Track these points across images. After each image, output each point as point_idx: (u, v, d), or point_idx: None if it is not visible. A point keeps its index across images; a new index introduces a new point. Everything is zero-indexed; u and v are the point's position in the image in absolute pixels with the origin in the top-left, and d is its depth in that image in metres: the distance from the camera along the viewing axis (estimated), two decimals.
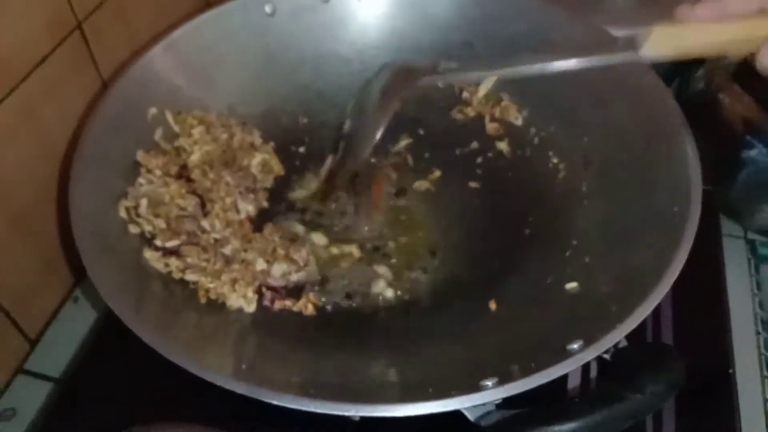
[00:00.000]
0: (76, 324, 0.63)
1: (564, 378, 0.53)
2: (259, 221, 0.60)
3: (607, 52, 0.45)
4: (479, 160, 0.66)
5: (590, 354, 0.41)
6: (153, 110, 0.60)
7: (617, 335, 0.41)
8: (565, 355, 0.41)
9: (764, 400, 0.57)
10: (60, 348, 0.62)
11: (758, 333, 0.61)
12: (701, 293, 0.62)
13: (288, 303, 0.54)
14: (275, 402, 0.40)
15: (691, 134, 0.53)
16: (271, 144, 0.65)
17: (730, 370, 0.57)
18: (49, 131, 0.59)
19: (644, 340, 0.56)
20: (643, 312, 0.42)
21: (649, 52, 0.43)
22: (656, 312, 0.60)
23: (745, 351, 0.59)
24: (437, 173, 0.66)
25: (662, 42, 0.43)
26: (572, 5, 0.75)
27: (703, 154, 0.62)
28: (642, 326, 0.57)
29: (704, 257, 0.63)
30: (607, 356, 0.44)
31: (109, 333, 0.58)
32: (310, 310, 0.55)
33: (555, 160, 0.62)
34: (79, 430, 0.53)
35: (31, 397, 0.58)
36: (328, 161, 0.64)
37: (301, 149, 0.67)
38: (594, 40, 0.62)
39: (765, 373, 0.59)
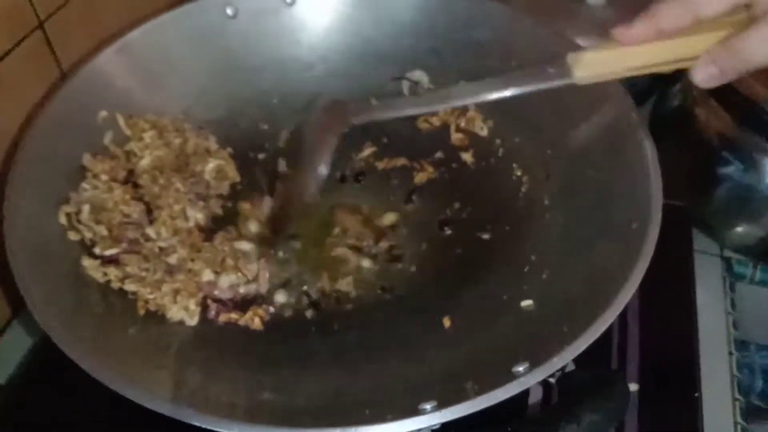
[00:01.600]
0: (26, 334, 0.61)
1: (525, 395, 0.52)
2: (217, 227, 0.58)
3: (542, 81, 0.44)
4: (443, 170, 0.64)
5: (534, 377, 0.39)
6: (104, 113, 0.58)
7: (564, 358, 0.39)
8: (509, 377, 0.39)
9: (734, 424, 0.55)
10: (12, 356, 0.59)
11: (731, 354, 0.60)
12: (670, 311, 0.60)
13: (234, 316, 0.52)
14: (207, 426, 0.38)
15: (654, 147, 0.51)
16: (228, 150, 0.63)
17: (696, 394, 0.55)
18: (6, 130, 0.58)
19: (606, 366, 0.54)
20: (592, 333, 0.40)
21: (582, 76, 0.43)
22: (623, 330, 0.58)
23: (715, 373, 0.58)
24: None
25: (593, 66, 0.43)
26: (547, 12, 0.75)
27: (679, 170, 0.61)
28: (608, 350, 0.56)
29: (675, 274, 0.62)
30: (552, 380, 0.42)
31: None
32: (257, 323, 0.53)
33: (519, 173, 0.61)
34: None
35: None
36: (266, 202, 0.61)
37: (261, 155, 0.65)
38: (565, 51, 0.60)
39: (736, 395, 0.57)
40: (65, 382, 0.51)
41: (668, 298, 0.61)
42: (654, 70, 0.42)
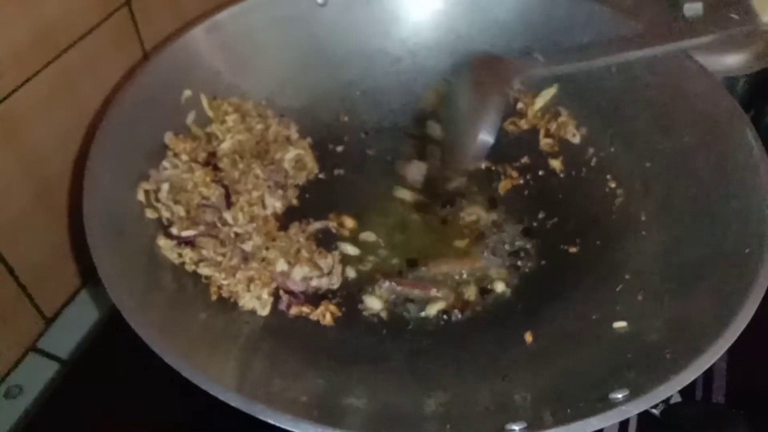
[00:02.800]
0: (94, 307, 0.61)
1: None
2: (286, 219, 0.56)
3: (728, 27, 0.41)
4: (529, 176, 0.61)
5: (637, 407, 0.35)
6: (188, 92, 0.57)
7: (671, 388, 0.36)
8: (607, 404, 0.36)
9: None
10: (74, 330, 0.60)
11: None
12: (761, 348, 0.55)
13: (305, 309, 0.51)
14: (272, 422, 0.36)
15: None
16: (308, 140, 0.61)
17: None
18: (86, 105, 0.58)
19: (691, 396, 0.50)
20: (702, 365, 0.37)
21: None
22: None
23: None
24: None
25: None
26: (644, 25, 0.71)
27: None
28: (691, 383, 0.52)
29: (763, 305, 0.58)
30: (656, 411, 0.38)
31: (122, 320, 0.56)
32: (328, 319, 0.51)
33: (612, 185, 0.57)
34: (79, 414, 0.52)
35: (39, 377, 0.57)
36: (416, 166, 0.58)
37: (339, 148, 0.63)
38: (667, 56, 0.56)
39: None
40: (130, 361, 0.50)
41: (759, 331, 0.56)
42: None
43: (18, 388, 0.56)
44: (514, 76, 0.47)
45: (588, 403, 0.37)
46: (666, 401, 0.36)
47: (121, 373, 0.53)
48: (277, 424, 0.37)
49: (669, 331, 0.43)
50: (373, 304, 0.53)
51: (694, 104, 0.54)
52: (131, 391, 0.52)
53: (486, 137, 0.46)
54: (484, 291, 0.54)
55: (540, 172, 0.61)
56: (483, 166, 0.62)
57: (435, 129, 0.56)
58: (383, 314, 0.53)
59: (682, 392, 0.38)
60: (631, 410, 0.35)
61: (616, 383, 0.38)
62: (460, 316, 0.53)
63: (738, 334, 0.38)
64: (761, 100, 0.69)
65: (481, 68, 0.50)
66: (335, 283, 0.54)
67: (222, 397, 0.37)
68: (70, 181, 0.58)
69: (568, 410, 0.36)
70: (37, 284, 0.58)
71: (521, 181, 0.61)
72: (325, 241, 0.57)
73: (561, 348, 0.47)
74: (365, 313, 0.52)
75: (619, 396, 0.36)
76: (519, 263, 0.56)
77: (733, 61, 0.70)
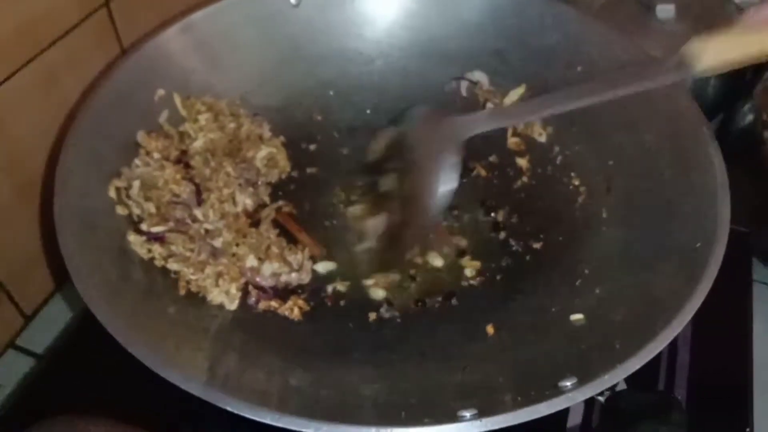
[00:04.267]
0: (74, 304, 0.62)
1: (564, 414, 0.50)
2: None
3: (658, 75, 0.44)
4: (496, 173, 0.63)
5: (583, 394, 0.37)
6: (161, 91, 0.58)
7: (616, 376, 0.37)
8: (555, 392, 0.37)
9: None
10: (53, 327, 0.60)
11: None
12: (723, 339, 0.57)
13: (274, 304, 0.52)
14: (238, 412, 0.37)
15: (725, 168, 0.49)
16: (281, 138, 0.62)
17: (748, 429, 0.52)
18: (66, 102, 0.59)
19: (653, 387, 0.51)
20: (647, 354, 0.38)
21: (705, 65, 0.42)
22: (672, 358, 0.56)
23: None
24: None
25: (719, 54, 0.42)
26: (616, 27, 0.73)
27: (742, 194, 0.58)
28: (654, 373, 0.54)
29: (731, 302, 0.60)
30: (601, 398, 0.39)
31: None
32: (296, 313, 0.52)
33: (576, 182, 0.59)
34: (51, 409, 0.50)
35: (17, 373, 0.58)
36: (379, 221, 0.58)
37: (312, 146, 0.64)
38: (635, 60, 0.58)
39: None
40: (101, 356, 0.50)
41: (723, 324, 0.58)
42: None
43: None
44: (461, 134, 0.49)
45: (539, 391, 0.38)
46: (612, 389, 0.37)
47: (97, 368, 0.53)
48: (244, 414, 0.38)
49: (621, 324, 0.44)
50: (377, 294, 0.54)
51: (655, 104, 0.55)
52: (106, 385, 0.52)
53: (447, 194, 0.48)
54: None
55: (507, 170, 0.63)
56: None
57: (387, 184, 0.57)
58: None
59: (637, 382, 0.39)
60: (578, 397, 0.37)
61: (567, 372, 0.39)
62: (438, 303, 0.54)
63: (681, 327, 0.40)
64: (731, 100, 0.70)
65: (429, 124, 0.51)
66: (305, 278, 0.55)
67: (185, 387, 0.38)
68: (51, 178, 0.59)
69: (519, 398, 0.37)
70: (17, 281, 0.59)
71: (488, 178, 0.62)
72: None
73: (520, 339, 0.48)
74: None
75: (568, 384, 0.38)
76: (485, 257, 0.57)
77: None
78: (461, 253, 0.57)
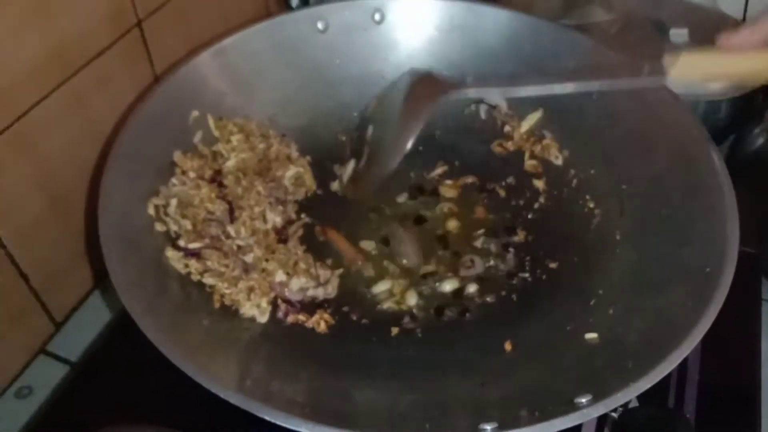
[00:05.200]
0: (103, 312, 0.64)
1: (578, 429, 0.51)
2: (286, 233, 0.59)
3: (633, 76, 0.47)
4: (514, 195, 0.65)
5: (597, 410, 0.39)
6: (195, 113, 0.61)
7: (628, 394, 0.39)
8: (571, 408, 0.40)
9: None
10: (84, 333, 0.63)
11: None
12: (733, 360, 0.59)
13: (301, 318, 0.54)
14: (269, 419, 0.40)
15: (733, 193, 0.51)
16: (308, 158, 0.65)
17: None
18: (97, 120, 0.61)
19: (663, 404, 0.53)
20: (659, 373, 0.40)
21: (676, 77, 0.45)
22: (681, 376, 0.57)
23: None
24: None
25: (690, 68, 0.45)
26: (630, 49, 0.75)
27: (752, 216, 0.60)
28: (664, 390, 0.55)
29: (741, 321, 0.61)
30: (614, 415, 0.42)
31: (130, 324, 0.59)
32: (322, 327, 0.54)
33: (591, 205, 0.61)
34: (87, 415, 0.53)
35: (48, 378, 0.60)
36: (350, 165, 0.63)
37: (336, 166, 0.66)
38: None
39: None
40: (138, 364, 0.53)
41: (732, 344, 0.60)
42: (752, 80, 0.43)
43: (28, 389, 0.59)
44: (443, 93, 0.52)
45: (555, 406, 0.40)
46: (624, 405, 0.40)
47: (128, 376, 0.55)
48: (274, 421, 0.40)
49: (634, 343, 0.46)
50: (411, 299, 0.57)
51: (667, 131, 0.58)
52: (138, 393, 0.54)
53: (406, 143, 0.51)
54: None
55: (525, 191, 0.65)
56: (469, 181, 0.66)
57: (370, 133, 0.61)
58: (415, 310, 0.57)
59: (650, 399, 0.41)
60: (592, 413, 0.39)
61: (582, 389, 0.41)
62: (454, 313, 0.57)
63: (691, 348, 0.42)
64: (742, 122, 0.72)
65: (418, 83, 0.54)
66: (331, 293, 0.57)
67: (223, 395, 0.40)
68: (82, 193, 0.62)
69: (536, 413, 0.40)
70: (48, 289, 0.61)
71: (507, 198, 0.65)
72: (323, 251, 0.60)
73: (537, 356, 0.50)
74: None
75: (583, 400, 0.40)
76: (504, 276, 0.59)
77: (713, 86, 0.73)
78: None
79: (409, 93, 0.54)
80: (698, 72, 0.45)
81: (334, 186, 0.64)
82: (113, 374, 0.57)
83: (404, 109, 0.53)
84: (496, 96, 0.67)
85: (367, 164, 0.59)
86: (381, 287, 0.58)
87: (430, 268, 0.60)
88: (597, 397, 0.40)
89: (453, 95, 0.52)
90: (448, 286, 0.59)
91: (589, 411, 0.39)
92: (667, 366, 0.41)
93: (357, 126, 0.65)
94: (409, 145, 0.53)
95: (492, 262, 0.60)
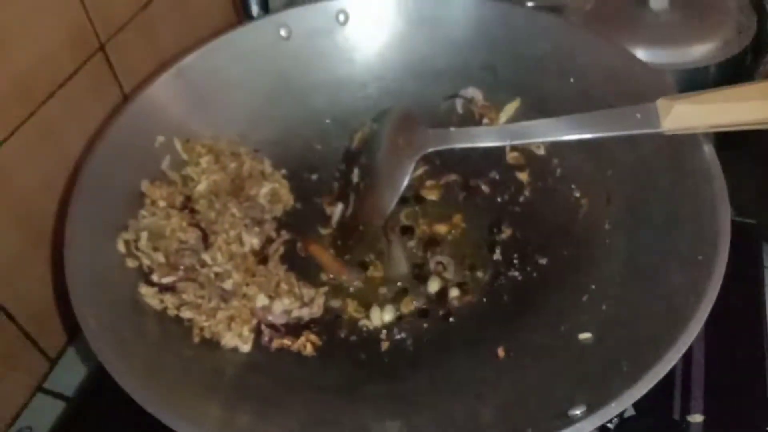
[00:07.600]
0: (85, 358, 0.64)
1: None
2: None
3: (626, 128, 0.47)
4: (498, 189, 0.63)
5: (592, 423, 0.37)
6: (161, 138, 0.59)
7: (622, 403, 0.37)
8: (566, 421, 0.38)
9: None
10: (78, 368, 0.62)
11: None
12: (738, 335, 0.58)
13: (287, 342, 0.52)
14: None
15: (720, 170, 0.49)
16: (282, 171, 0.63)
17: None
18: (70, 150, 0.60)
19: (668, 392, 0.51)
20: (652, 378, 0.39)
21: (670, 128, 0.45)
22: (687, 355, 0.55)
23: None
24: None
25: (684, 119, 0.44)
26: (610, 20, 0.73)
27: (748, 184, 0.57)
28: (671, 373, 0.54)
29: (744, 296, 0.60)
30: (610, 426, 0.40)
31: None
32: (309, 349, 0.53)
33: (577, 194, 0.59)
34: None
35: (47, 416, 0.59)
36: (338, 209, 0.61)
37: (314, 176, 0.65)
38: (625, 66, 0.58)
39: None
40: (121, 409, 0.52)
41: (736, 320, 0.58)
42: (749, 127, 0.40)
43: (29, 429, 0.59)
44: (428, 146, 0.53)
45: (548, 420, 0.39)
46: (620, 416, 0.38)
47: (123, 408, 0.53)
48: None
49: (628, 341, 0.44)
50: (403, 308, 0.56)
51: None
52: (135, 425, 0.53)
53: (395, 195, 0.52)
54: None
55: (509, 185, 0.63)
56: (451, 179, 0.64)
57: (356, 176, 0.60)
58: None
59: (660, 385, 0.39)
60: (587, 427, 0.37)
61: (576, 398, 0.40)
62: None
63: (687, 346, 0.40)
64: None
65: (399, 128, 0.54)
66: (316, 312, 0.55)
67: None
68: (58, 225, 0.60)
69: (529, 429, 0.38)
70: (39, 327, 0.60)
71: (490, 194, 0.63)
72: (306, 270, 0.58)
73: (530, 362, 0.48)
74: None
75: (578, 412, 0.38)
76: (492, 276, 0.58)
77: (700, 51, 0.71)
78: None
79: (392, 145, 0.54)
80: (694, 123, 0.42)
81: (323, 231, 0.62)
82: (108, 408, 0.53)
83: (387, 163, 0.53)
84: (471, 89, 0.65)
85: (355, 214, 0.59)
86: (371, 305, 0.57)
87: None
88: (591, 408, 0.38)
89: (434, 149, 0.53)
90: (434, 286, 0.57)
91: (583, 425, 0.37)
92: (663, 368, 0.39)
93: (343, 158, 0.64)
94: (397, 198, 0.54)
95: (480, 263, 0.59)
